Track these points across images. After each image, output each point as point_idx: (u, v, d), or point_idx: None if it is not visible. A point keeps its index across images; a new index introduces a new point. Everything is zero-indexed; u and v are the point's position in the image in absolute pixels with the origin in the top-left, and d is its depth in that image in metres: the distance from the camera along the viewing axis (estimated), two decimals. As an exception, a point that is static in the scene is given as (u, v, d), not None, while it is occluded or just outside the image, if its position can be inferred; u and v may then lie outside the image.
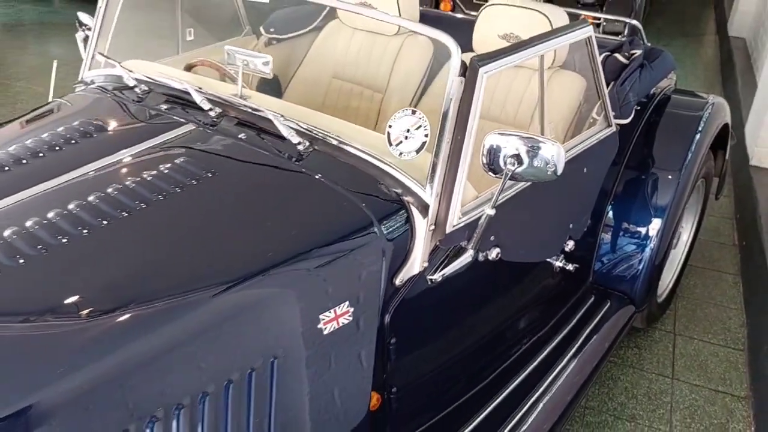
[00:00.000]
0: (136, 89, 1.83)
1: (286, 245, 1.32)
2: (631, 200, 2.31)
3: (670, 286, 2.65)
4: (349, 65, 2.51)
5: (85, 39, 2.13)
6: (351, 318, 1.34)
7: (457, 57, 1.40)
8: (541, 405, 1.81)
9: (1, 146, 1.63)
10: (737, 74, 5.09)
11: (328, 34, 2.57)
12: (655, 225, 2.29)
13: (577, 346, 2.03)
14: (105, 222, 1.30)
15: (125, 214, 1.33)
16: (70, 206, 1.34)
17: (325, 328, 1.31)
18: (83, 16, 2.18)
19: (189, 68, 2.06)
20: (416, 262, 1.43)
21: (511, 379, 1.85)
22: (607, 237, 2.32)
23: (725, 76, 5.50)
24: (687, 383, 2.37)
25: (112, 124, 1.73)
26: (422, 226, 1.43)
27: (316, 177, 1.47)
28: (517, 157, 1.36)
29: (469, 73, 1.41)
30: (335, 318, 1.32)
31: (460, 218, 1.46)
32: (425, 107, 2.15)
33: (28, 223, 1.29)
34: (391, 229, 1.41)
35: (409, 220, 1.44)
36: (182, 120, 1.67)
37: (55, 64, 2.13)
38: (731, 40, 6.16)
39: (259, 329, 1.23)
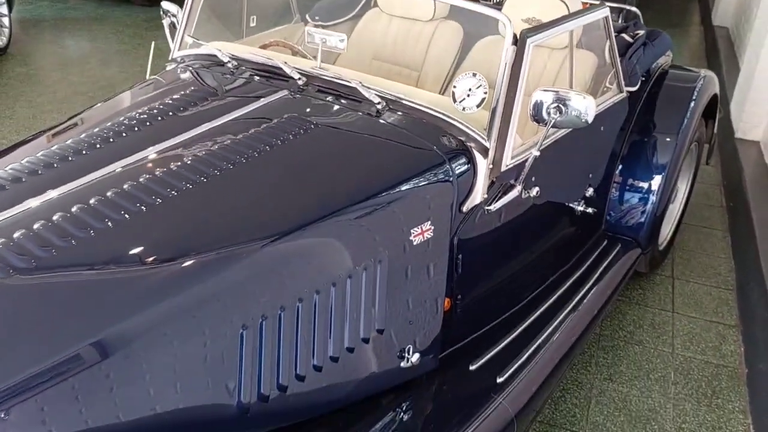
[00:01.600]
0: (228, 64, 2.18)
1: (383, 179, 1.69)
2: (636, 160, 2.70)
3: (669, 237, 3.06)
4: (388, 47, 2.87)
5: (171, 24, 2.49)
6: (432, 234, 1.72)
7: (510, 29, 1.78)
8: (566, 323, 2.19)
9: (114, 116, 1.97)
10: (722, 60, 5.51)
11: (368, 21, 2.93)
12: (657, 181, 2.69)
13: (594, 278, 2.42)
14: (204, 178, 1.57)
15: (230, 166, 1.61)
16: (174, 166, 1.61)
17: (415, 240, 1.68)
18: (167, 5, 2.53)
19: (264, 47, 2.42)
20: (478, 194, 1.81)
21: (544, 301, 2.23)
22: (616, 192, 2.71)
23: (711, 62, 5.93)
24: (685, 316, 2.77)
25: (214, 94, 2.07)
26: (483, 165, 1.80)
27: (397, 127, 1.84)
28: (558, 108, 1.74)
29: (519, 42, 1.78)
30: (421, 233, 1.69)
31: (511, 159, 1.84)
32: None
33: (126, 186, 1.53)
34: (458, 168, 1.79)
35: (471, 161, 1.81)
36: (275, 88, 2.03)
37: (153, 44, 2.47)
38: (715, 29, 6.58)
39: (368, 238, 1.60)
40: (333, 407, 1.61)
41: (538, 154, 1.81)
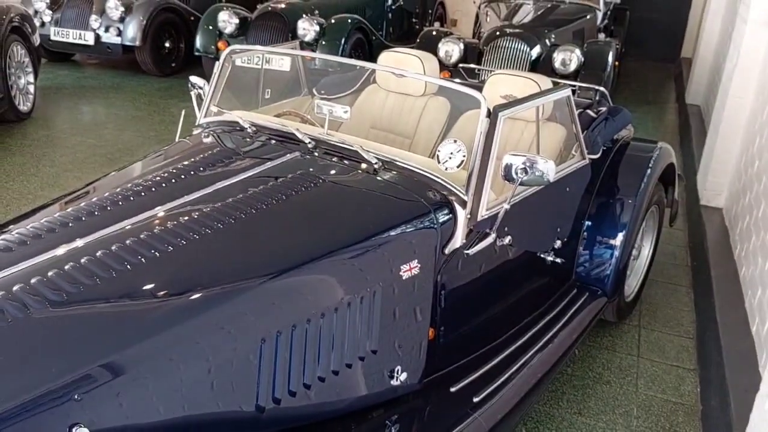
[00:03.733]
0: (248, 130, 2.56)
1: (379, 224, 2.04)
2: (601, 218, 3.06)
3: (636, 290, 3.39)
4: (385, 118, 3.27)
5: (198, 96, 2.88)
6: (418, 271, 2.05)
7: (485, 105, 2.16)
8: (538, 357, 2.49)
9: (142, 174, 2.29)
10: (692, 134, 5.98)
11: (368, 94, 3.34)
12: (620, 237, 3.04)
13: (564, 320, 2.73)
14: (219, 225, 1.88)
15: (243, 216, 1.93)
16: (190, 217, 1.91)
17: (404, 275, 2.01)
18: (194, 79, 2.93)
19: (278, 116, 2.81)
20: (458, 239, 2.15)
21: (519, 338, 2.53)
22: (585, 246, 3.05)
23: (682, 136, 6.41)
24: (649, 360, 3.07)
25: (235, 154, 2.43)
26: (462, 215, 2.15)
27: (391, 183, 2.20)
28: (524, 169, 2.10)
29: (492, 115, 2.17)
30: (409, 269, 2.02)
31: (486, 211, 2.19)
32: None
33: (142, 235, 1.81)
34: (441, 217, 2.13)
35: (452, 211, 2.16)
36: (288, 150, 2.40)
37: (183, 112, 2.86)
38: (688, 107, 7.10)
39: (364, 273, 1.93)
40: (331, 416, 1.90)
41: (508, 207, 2.16)
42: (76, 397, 1.43)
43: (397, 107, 3.26)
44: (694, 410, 2.77)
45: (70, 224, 1.92)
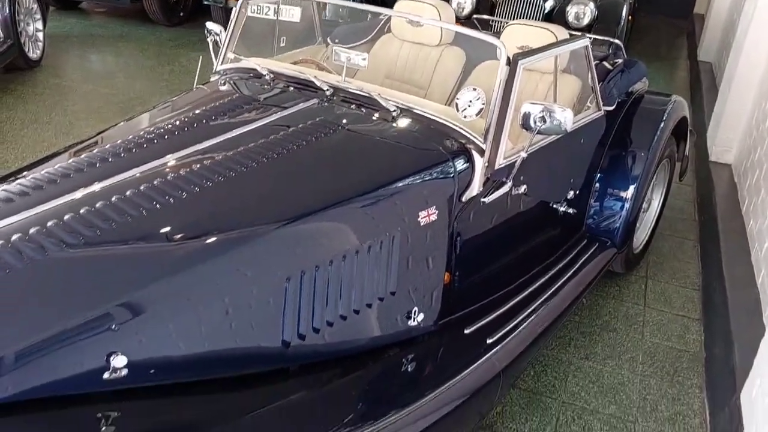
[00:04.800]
0: (266, 77, 2.58)
1: (397, 171, 2.08)
2: (613, 171, 3.10)
3: (644, 242, 3.44)
4: (399, 68, 3.28)
5: (214, 42, 2.89)
6: (436, 218, 2.10)
7: (504, 53, 2.18)
8: (549, 303, 2.56)
9: (160, 120, 2.29)
10: (703, 91, 5.95)
11: (383, 44, 3.33)
12: (631, 190, 3.08)
13: (574, 269, 2.80)
14: (238, 170, 1.90)
15: (265, 160, 1.96)
16: (208, 163, 1.93)
17: (421, 221, 2.06)
18: (210, 25, 2.93)
19: (295, 63, 2.82)
20: (475, 187, 2.19)
21: (530, 285, 2.60)
22: (596, 198, 3.09)
23: (693, 93, 6.37)
24: (656, 309, 3.14)
25: (252, 101, 2.46)
26: (479, 163, 2.19)
27: (409, 131, 2.23)
28: (542, 118, 2.13)
29: (512, 63, 2.18)
30: (427, 216, 2.07)
31: (503, 160, 2.22)
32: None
33: (156, 182, 1.83)
34: (459, 165, 2.17)
35: (470, 160, 2.20)
36: (307, 97, 2.42)
37: (200, 59, 2.87)
38: (700, 63, 7.05)
39: (384, 218, 1.98)
40: (351, 352, 1.98)
41: (525, 155, 2.20)
42: (113, 327, 1.50)
43: (412, 57, 3.26)
44: (698, 357, 2.85)
45: (85, 170, 1.94)
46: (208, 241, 1.72)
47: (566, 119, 2.12)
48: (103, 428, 1.45)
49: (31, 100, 5.15)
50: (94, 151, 2.05)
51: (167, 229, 1.73)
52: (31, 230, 1.64)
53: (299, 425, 1.69)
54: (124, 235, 1.68)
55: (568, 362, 2.76)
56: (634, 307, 3.15)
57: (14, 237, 1.61)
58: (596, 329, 2.97)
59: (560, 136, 2.28)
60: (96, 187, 1.83)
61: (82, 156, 2.03)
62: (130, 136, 2.14)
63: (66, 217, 1.69)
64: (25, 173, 1.97)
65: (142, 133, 2.17)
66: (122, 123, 2.46)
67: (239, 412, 1.64)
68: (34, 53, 5.86)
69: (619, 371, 2.73)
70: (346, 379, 1.92)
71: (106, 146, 2.09)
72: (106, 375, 1.48)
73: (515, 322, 2.35)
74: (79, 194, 1.80)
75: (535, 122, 2.14)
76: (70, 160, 2.01)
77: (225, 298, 1.67)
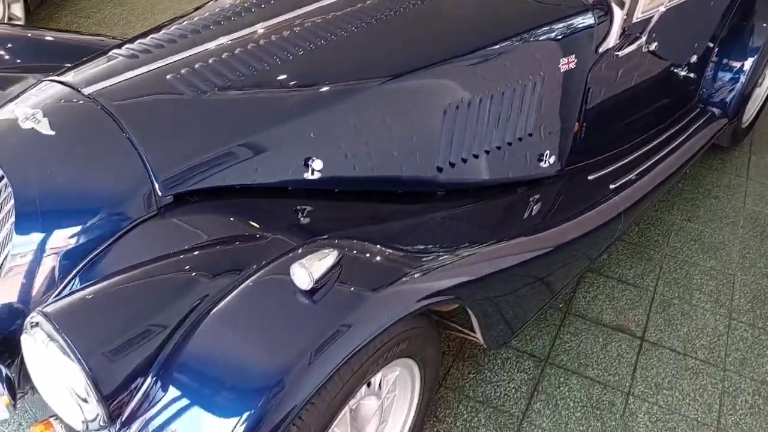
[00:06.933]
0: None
1: (542, 19, 2.19)
2: (733, 41, 3.10)
3: (752, 118, 3.47)
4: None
5: None
6: (574, 66, 2.23)
7: None
8: (664, 162, 2.69)
9: None
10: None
11: None
12: (749, 62, 3.09)
13: (687, 134, 2.90)
14: (350, 30, 1.94)
15: (364, 24, 2.00)
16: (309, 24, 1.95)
17: (562, 68, 2.19)
18: None
19: None
20: (612, 39, 2.29)
21: (646, 144, 2.73)
22: (712, 68, 3.13)
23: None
24: (758, 182, 3.23)
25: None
26: (619, 15, 2.27)
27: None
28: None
29: None
30: (567, 63, 2.20)
31: (641, 14, 2.30)
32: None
33: (273, 38, 1.87)
34: (599, 16, 2.26)
35: (609, 11, 2.28)
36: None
37: None
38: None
39: (528, 63, 2.12)
40: (487, 185, 2.19)
41: (664, 9, 2.27)
42: (312, 135, 1.73)
43: None
44: (798, 225, 2.97)
45: (211, 26, 1.97)
46: (322, 89, 1.82)
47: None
48: (300, 217, 1.72)
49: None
50: (216, 10, 2.09)
51: (284, 76, 1.80)
52: (197, 65, 1.75)
53: (440, 233, 1.92)
54: (251, 84, 1.76)
55: (671, 222, 2.92)
56: (736, 179, 3.25)
57: (183, 70, 1.73)
58: (699, 196, 3.10)
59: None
60: (223, 40, 1.87)
61: (206, 14, 2.06)
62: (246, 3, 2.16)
63: (225, 54, 1.79)
64: (153, 32, 2.00)
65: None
66: None
67: (401, 215, 1.89)
68: None
69: (719, 233, 2.88)
70: (480, 205, 2.14)
71: (231, 3, 2.14)
72: (306, 175, 1.73)
73: (634, 174, 2.51)
74: (211, 45, 1.84)
75: (676, -23, 2.19)
76: (196, 18, 2.04)
77: (390, 128, 1.89)
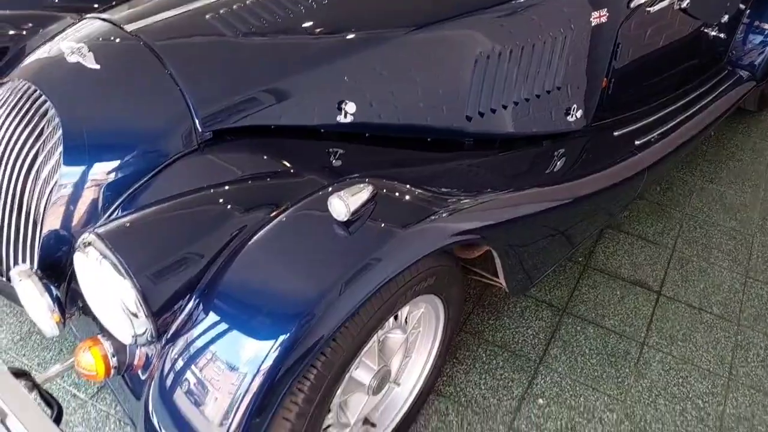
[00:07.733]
0: None
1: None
2: (764, 4, 3.08)
3: (780, 82, 3.46)
4: None
5: None
6: (606, 20, 2.23)
7: None
8: (686, 125, 2.71)
9: None
10: None
11: None
12: (781, 25, 3.07)
13: (715, 94, 2.90)
14: None
15: None
16: None
17: (593, 22, 2.20)
18: None
19: None
20: (643, -6, 2.30)
21: (673, 103, 2.74)
22: (742, 30, 3.11)
23: None
24: (782, 146, 3.25)
25: None
26: (652, -30, 2.28)
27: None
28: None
29: None
30: (599, 17, 2.21)
31: (674, -31, 2.30)
32: None
33: None
34: (631, -29, 2.27)
35: (642, -33, 2.29)
36: None
37: None
38: None
39: (559, 16, 2.14)
40: (513, 136, 2.22)
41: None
42: (346, 78, 1.77)
43: None
44: (820, 190, 2.98)
45: None
46: (349, 37, 1.84)
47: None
48: (332, 159, 1.77)
49: None
50: None
51: (309, 24, 1.82)
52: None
53: (467, 179, 1.96)
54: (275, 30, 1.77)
55: (692, 183, 2.94)
56: (761, 143, 3.25)
57: (222, 10, 1.75)
58: (722, 158, 3.12)
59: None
60: None
61: None
62: None
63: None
64: None
65: None
66: None
67: (431, 161, 1.94)
68: None
69: (741, 195, 2.90)
70: (507, 155, 2.18)
71: None
72: (339, 118, 1.78)
73: (659, 132, 2.53)
74: None
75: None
76: None
77: (417, 78, 1.92)
